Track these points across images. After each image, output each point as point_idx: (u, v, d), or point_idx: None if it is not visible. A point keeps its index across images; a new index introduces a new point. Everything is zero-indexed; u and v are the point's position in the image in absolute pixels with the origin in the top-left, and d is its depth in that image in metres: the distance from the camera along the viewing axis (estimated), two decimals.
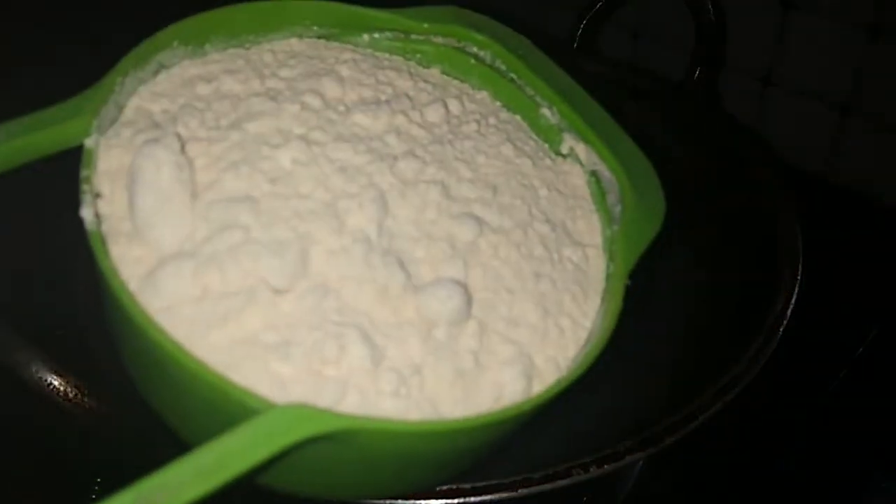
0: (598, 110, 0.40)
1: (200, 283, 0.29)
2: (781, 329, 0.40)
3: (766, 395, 0.46)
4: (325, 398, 0.28)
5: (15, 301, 0.41)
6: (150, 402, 0.33)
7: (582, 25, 0.64)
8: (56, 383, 0.39)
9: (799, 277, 0.42)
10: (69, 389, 0.39)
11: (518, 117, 0.42)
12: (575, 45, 0.64)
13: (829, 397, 0.51)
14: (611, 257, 0.36)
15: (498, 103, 0.42)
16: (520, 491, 0.34)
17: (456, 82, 0.42)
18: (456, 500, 0.34)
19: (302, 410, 0.26)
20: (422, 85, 0.41)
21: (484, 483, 0.35)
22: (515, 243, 0.35)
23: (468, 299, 0.32)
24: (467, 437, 0.29)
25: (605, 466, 0.35)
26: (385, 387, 0.29)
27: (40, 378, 0.39)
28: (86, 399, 0.39)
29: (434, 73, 0.42)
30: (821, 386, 0.52)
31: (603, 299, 0.35)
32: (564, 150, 0.41)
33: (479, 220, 0.35)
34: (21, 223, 0.40)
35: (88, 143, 0.32)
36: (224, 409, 0.27)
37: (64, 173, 0.31)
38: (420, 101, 0.39)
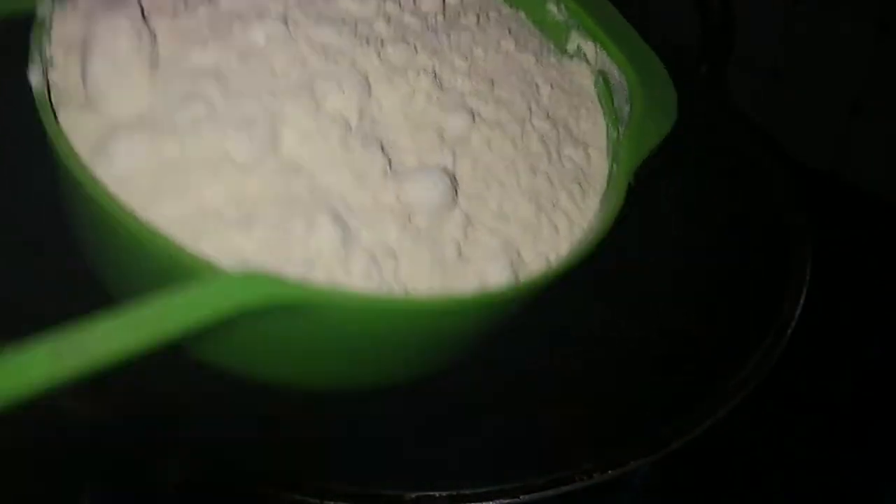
0: (608, 7, 0.38)
1: (157, 155, 0.27)
2: (790, 331, 0.40)
3: (775, 398, 0.46)
4: (288, 275, 0.25)
5: (6, 299, 0.40)
6: (103, 279, 0.30)
7: None
8: None
9: (808, 278, 0.42)
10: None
11: (522, 13, 0.39)
12: None
13: (843, 399, 0.50)
14: (615, 160, 0.34)
15: None
16: (521, 497, 0.34)
17: None
18: None
19: (257, 276, 0.23)
20: None
21: (485, 489, 0.34)
22: (511, 137, 0.32)
23: (454, 189, 0.29)
24: (442, 319, 0.27)
25: (609, 472, 0.34)
26: (355, 267, 0.26)
27: None
28: (77, 401, 0.39)
29: None
30: (833, 388, 0.51)
31: (602, 201, 0.33)
32: (571, 48, 0.38)
33: (472, 112, 0.32)
34: (13, 222, 0.40)
35: (41, 9, 0.29)
36: (177, 277, 0.24)
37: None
38: None
